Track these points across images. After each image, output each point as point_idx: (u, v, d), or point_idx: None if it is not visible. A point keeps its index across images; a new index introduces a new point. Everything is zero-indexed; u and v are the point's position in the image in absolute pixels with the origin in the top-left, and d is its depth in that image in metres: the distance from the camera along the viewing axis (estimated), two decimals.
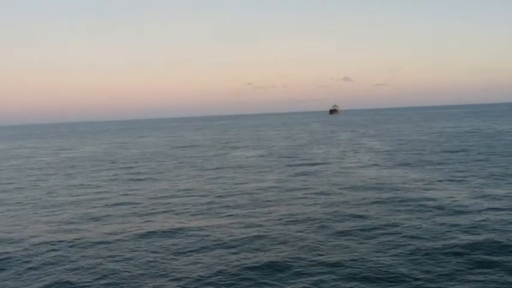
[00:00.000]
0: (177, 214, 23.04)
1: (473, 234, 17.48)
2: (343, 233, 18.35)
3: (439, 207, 21.86)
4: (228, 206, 24.47)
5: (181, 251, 17.00)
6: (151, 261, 15.93)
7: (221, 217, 22.09)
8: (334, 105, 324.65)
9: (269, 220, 20.97)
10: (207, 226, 20.35)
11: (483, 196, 23.96)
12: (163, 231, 19.66)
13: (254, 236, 18.48)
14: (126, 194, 29.38)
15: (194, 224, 20.87)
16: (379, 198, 24.70)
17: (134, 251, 17.12)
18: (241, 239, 18.19)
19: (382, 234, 18.02)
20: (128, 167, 44.92)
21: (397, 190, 26.68)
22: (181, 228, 20.01)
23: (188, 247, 17.33)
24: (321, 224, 19.91)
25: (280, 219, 21.10)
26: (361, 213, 21.37)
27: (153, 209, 24.49)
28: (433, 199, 23.75)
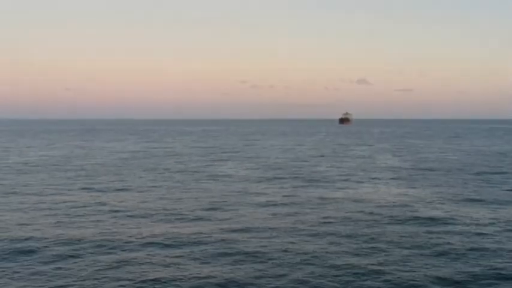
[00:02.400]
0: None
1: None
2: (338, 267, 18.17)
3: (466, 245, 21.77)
4: (194, 234, 24.15)
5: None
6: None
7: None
8: (346, 113, 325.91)
9: (259, 255, 20.72)
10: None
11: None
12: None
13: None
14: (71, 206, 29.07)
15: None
16: (392, 229, 24.62)
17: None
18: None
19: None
20: (80, 179, 44.48)
21: (415, 221, 26.52)
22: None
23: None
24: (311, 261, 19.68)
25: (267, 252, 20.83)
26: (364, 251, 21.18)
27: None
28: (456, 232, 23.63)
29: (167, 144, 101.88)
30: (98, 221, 26.96)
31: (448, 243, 22.30)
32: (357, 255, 20.56)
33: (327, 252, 20.88)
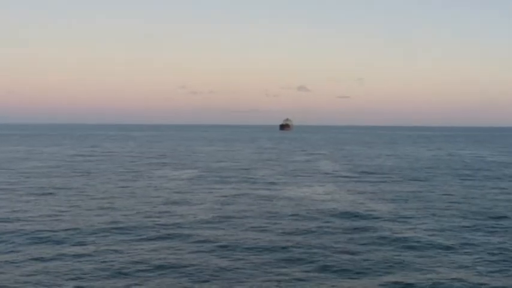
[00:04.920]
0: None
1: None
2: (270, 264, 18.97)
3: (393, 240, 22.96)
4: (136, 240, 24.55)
5: None
6: None
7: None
8: (286, 119, 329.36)
9: (196, 252, 21.30)
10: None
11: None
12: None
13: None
14: None
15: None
16: (319, 228, 25.76)
17: None
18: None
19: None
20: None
21: (345, 219, 27.67)
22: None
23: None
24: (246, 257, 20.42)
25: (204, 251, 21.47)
26: (289, 244, 22.09)
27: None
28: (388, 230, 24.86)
29: (105, 149, 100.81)
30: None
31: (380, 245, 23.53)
32: (289, 260, 21.45)
33: (259, 260, 21.68)
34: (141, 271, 19.57)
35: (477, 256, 22.01)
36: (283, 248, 23.12)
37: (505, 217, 30.65)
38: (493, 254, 22.34)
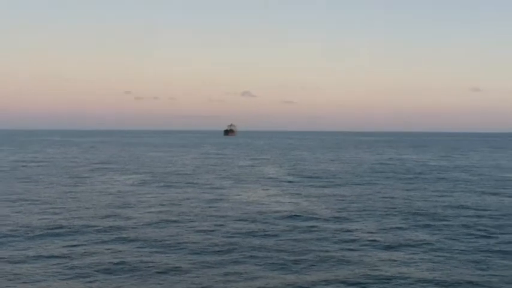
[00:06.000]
0: None
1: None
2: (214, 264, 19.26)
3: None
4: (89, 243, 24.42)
5: None
6: None
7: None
8: (231, 125, 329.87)
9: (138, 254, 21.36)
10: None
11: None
12: None
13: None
14: None
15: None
16: (249, 229, 26.23)
17: None
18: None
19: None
20: None
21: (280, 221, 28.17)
22: None
23: None
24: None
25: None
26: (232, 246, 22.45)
27: None
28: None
29: (47, 155, 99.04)
30: None
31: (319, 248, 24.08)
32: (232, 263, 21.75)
33: (200, 262, 21.92)
34: (84, 273, 19.49)
35: (416, 254, 22.82)
36: (227, 249, 23.42)
37: (443, 218, 31.74)
38: (431, 252, 23.21)
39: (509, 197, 41.56)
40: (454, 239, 25.79)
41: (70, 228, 27.67)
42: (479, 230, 28.14)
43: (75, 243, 24.40)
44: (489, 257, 22.55)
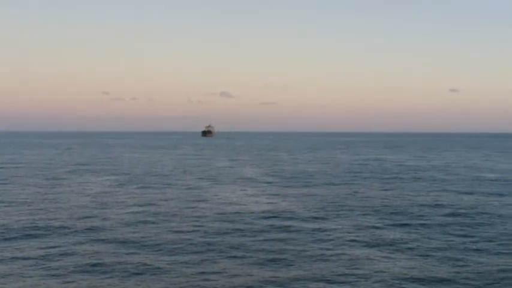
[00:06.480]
0: None
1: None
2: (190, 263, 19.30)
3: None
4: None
5: None
6: None
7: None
8: (209, 126, 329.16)
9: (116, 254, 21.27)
10: None
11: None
12: None
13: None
14: None
15: None
16: (229, 229, 26.25)
17: None
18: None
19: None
20: None
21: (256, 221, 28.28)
22: None
23: None
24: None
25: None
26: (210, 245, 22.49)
27: None
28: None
29: (24, 157, 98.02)
30: None
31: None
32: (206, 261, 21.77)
33: (180, 262, 21.93)
34: (61, 274, 19.39)
35: (393, 252, 23.08)
36: (206, 248, 23.47)
37: (420, 217, 32.08)
38: (408, 250, 23.47)
39: (484, 195, 42.09)
40: (430, 237, 26.10)
41: (47, 229, 27.51)
42: (455, 228, 28.49)
43: (52, 244, 24.27)
44: (465, 254, 22.86)
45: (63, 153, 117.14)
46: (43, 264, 20.84)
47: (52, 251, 22.95)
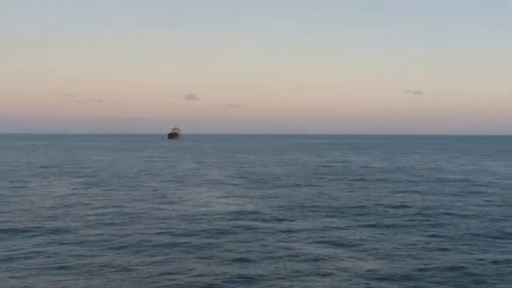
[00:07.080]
0: None
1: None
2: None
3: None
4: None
5: None
6: None
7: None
8: (175, 128, 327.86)
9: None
10: None
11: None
12: None
13: None
14: None
15: None
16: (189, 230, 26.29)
17: None
18: None
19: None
20: None
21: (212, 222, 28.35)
22: None
23: None
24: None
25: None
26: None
27: None
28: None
29: None
30: None
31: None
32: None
33: (147, 264, 21.88)
34: (25, 275, 19.20)
35: (358, 251, 23.41)
36: (172, 249, 23.49)
37: (385, 217, 32.53)
38: (373, 249, 23.82)
39: (448, 196, 42.78)
40: (395, 237, 26.49)
41: (10, 232, 27.19)
42: (420, 228, 28.94)
43: (16, 247, 24.00)
44: (429, 253, 23.28)
45: (28, 155, 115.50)
46: (7, 267, 20.61)
47: (15, 253, 22.67)
